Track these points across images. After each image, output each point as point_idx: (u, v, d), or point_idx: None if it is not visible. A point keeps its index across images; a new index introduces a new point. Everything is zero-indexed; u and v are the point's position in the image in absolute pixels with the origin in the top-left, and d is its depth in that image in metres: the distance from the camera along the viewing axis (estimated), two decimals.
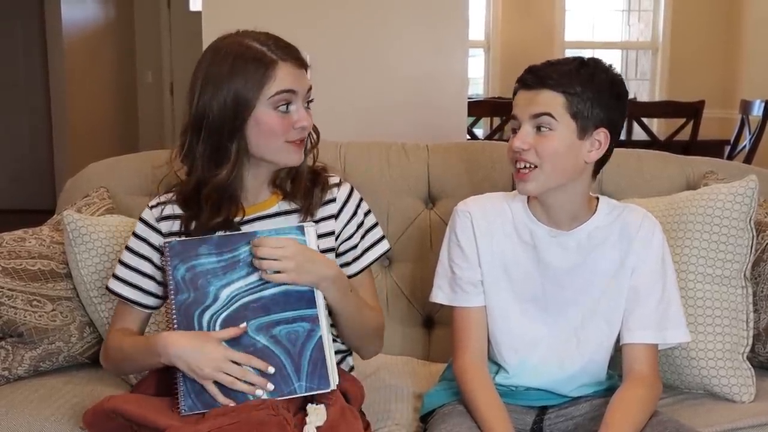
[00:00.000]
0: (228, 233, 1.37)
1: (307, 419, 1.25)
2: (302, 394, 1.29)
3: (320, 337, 1.32)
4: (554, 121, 1.36)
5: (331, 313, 1.39)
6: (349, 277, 1.46)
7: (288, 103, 1.35)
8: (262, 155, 1.38)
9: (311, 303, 1.33)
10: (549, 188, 1.41)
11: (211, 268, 1.33)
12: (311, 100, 1.40)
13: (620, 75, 1.43)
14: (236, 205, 1.40)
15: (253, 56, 1.33)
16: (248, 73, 1.32)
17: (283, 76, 1.33)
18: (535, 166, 1.38)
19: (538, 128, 1.38)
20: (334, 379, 1.31)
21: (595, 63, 1.41)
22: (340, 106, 2.56)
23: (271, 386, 1.28)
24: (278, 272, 1.30)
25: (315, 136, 1.46)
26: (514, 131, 1.42)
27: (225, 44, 1.36)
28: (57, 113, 6.12)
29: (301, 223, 1.38)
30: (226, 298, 1.32)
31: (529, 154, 1.38)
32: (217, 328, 1.31)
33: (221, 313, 1.32)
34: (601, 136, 1.40)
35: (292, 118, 1.35)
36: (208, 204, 1.37)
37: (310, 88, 1.39)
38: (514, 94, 1.44)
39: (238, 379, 1.27)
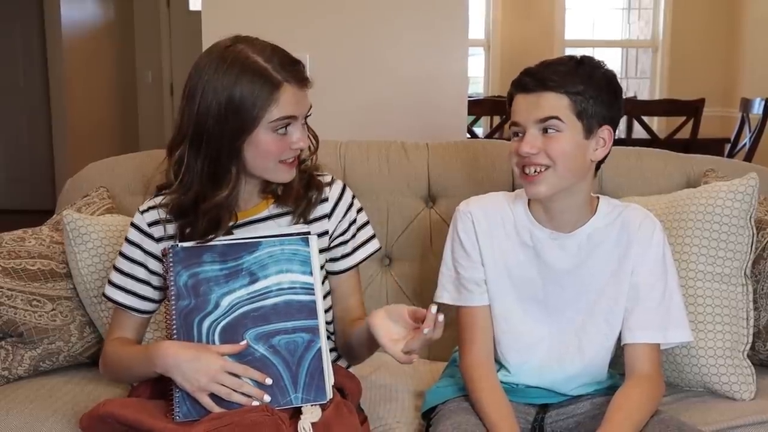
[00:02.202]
0: (232, 242, 1.36)
1: (302, 416, 1.25)
2: (298, 405, 1.28)
3: (319, 348, 1.31)
4: (562, 123, 1.35)
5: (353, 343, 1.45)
6: (338, 273, 1.47)
7: (287, 125, 1.34)
8: (255, 173, 1.38)
9: (312, 314, 1.32)
10: (560, 189, 1.40)
11: (213, 276, 1.32)
12: (308, 115, 1.39)
13: (613, 71, 1.43)
14: (230, 214, 1.40)
15: (259, 74, 1.30)
16: (254, 93, 1.29)
17: (286, 101, 1.32)
18: (547, 167, 1.37)
19: (544, 130, 1.37)
20: (330, 390, 1.30)
21: (590, 60, 1.40)
22: (340, 106, 2.56)
23: (267, 397, 1.26)
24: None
25: (314, 142, 1.45)
26: (516, 135, 1.40)
27: (229, 54, 1.32)
28: (56, 113, 6.12)
29: (305, 234, 1.36)
30: (227, 306, 1.31)
31: (540, 157, 1.37)
32: (217, 335, 1.30)
33: (221, 321, 1.31)
34: (605, 133, 1.40)
35: (290, 139, 1.35)
36: (206, 218, 1.37)
37: (310, 107, 1.38)
38: (510, 97, 1.42)
39: (234, 390, 1.25)
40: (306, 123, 1.39)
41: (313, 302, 1.32)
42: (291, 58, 1.35)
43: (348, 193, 1.50)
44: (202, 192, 1.36)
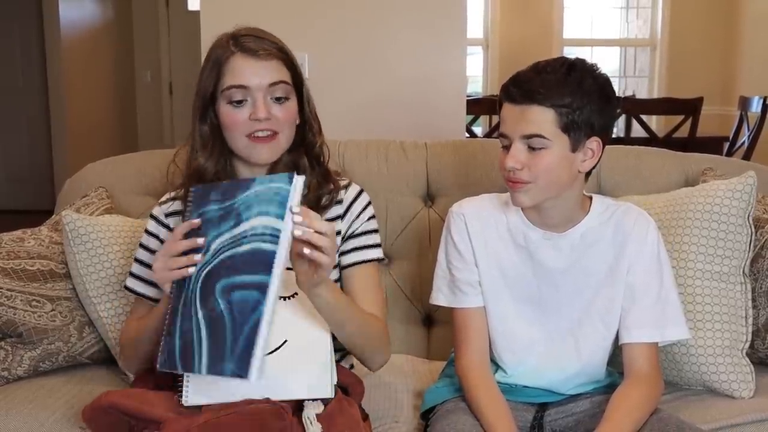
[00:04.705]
0: (234, 181, 1.34)
1: (305, 409, 1.25)
2: (227, 377, 1.15)
3: (261, 314, 1.12)
4: (547, 140, 1.33)
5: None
6: (349, 266, 1.45)
7: (241, 98, 1.36)
8: (237, 152, 1.40)
9: (267, 268, 1.14)
10: (543, 200, 1.40)
11: (210, 217, 1.23)
12: (281, 97, 1.38)
13: (606, 75, 1.39)
14: None
15: (218, 49, 1.38)
16: (210, 66, 1.37)
17: (234, 71, 1.35)
18: (529, 182, 1.37)
19: (530, 145, 1.35)
20: (258, 372, 1.12)
21: (583, 66, 1.36)
22: (339, 105, 2.56)
23: (197, 257, 1.21)
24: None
25: (315, 125, 1.46)
26: (504, 145, 1.39)
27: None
28: (55, 114, 6.12)
29: (292, 174, 1.23)
30: (213, 251, 1.21)
31: (523, 173, 1.36)
32: (199, 283, 1.21)
33: (206, 267, 1.21)
34: (594, 145, 1.38)
35: (249, 111, 1.36)
36: None
37: (279, 83, 1.37)
38: (500, 104, 1.39)
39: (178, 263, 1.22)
40: (281, 101, 1.38)
41: (274, 253, 1.14)
42: (260, 34, 1.39)
43: (364, 197, 1.50)
44: (191, 163, 1.41)
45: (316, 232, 1.15)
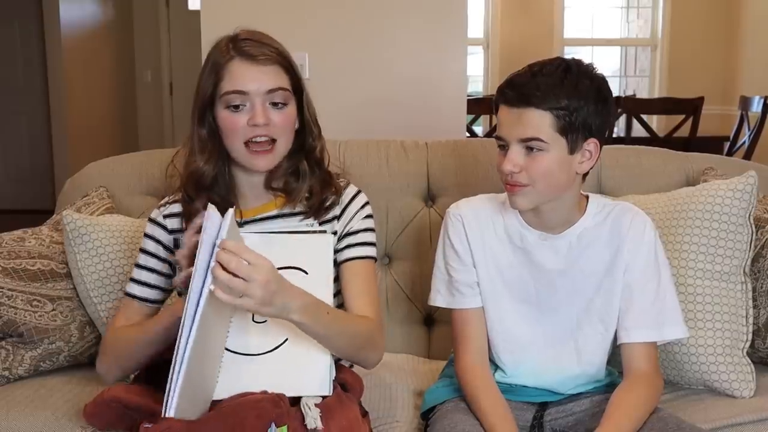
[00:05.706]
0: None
1: (303, 398, 1.25)
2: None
3: (176, 354, 1.10)
4: (544, 143, 1.33)
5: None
6: (342, 262, 1.44)
7: (239, 103, 1.35)
8: (233, 157, 1.40)
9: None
10: (541, 203, 1.40)
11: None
12: (279, 102, 1.37)
13: (603, 75, 1.38)
14: (230, 206, 1.40)
15: (217, 52, 1.37)
16: (208, 69, 1.37)
17: (232, 76, 1.34)
18: (528, 185, 1.36)
19: (528, 148, 1.34)
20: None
21: (578, 68, 1.35)
22: (339, 105, 2.56)
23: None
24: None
25: (315, 130, 1.45)
26: (502, 147, 1.39)
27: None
28: (56, 113, 6.12)
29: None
30: None
31: (521, 176, 1.35)
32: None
33: None
34: (591, 146, 1.38)
35: (247, 116, 1.35)
36: (200, 200, 1.38)
37: (278, 89, 1.36)
38: (496, 106, 1.39)
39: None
40: (280, 108, 1.38)
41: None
42: (260, 39, 1.38)
43: (361, 197, 1.50)
44: (189, 166, 1.41)
45: (228, 270, 1.10)
